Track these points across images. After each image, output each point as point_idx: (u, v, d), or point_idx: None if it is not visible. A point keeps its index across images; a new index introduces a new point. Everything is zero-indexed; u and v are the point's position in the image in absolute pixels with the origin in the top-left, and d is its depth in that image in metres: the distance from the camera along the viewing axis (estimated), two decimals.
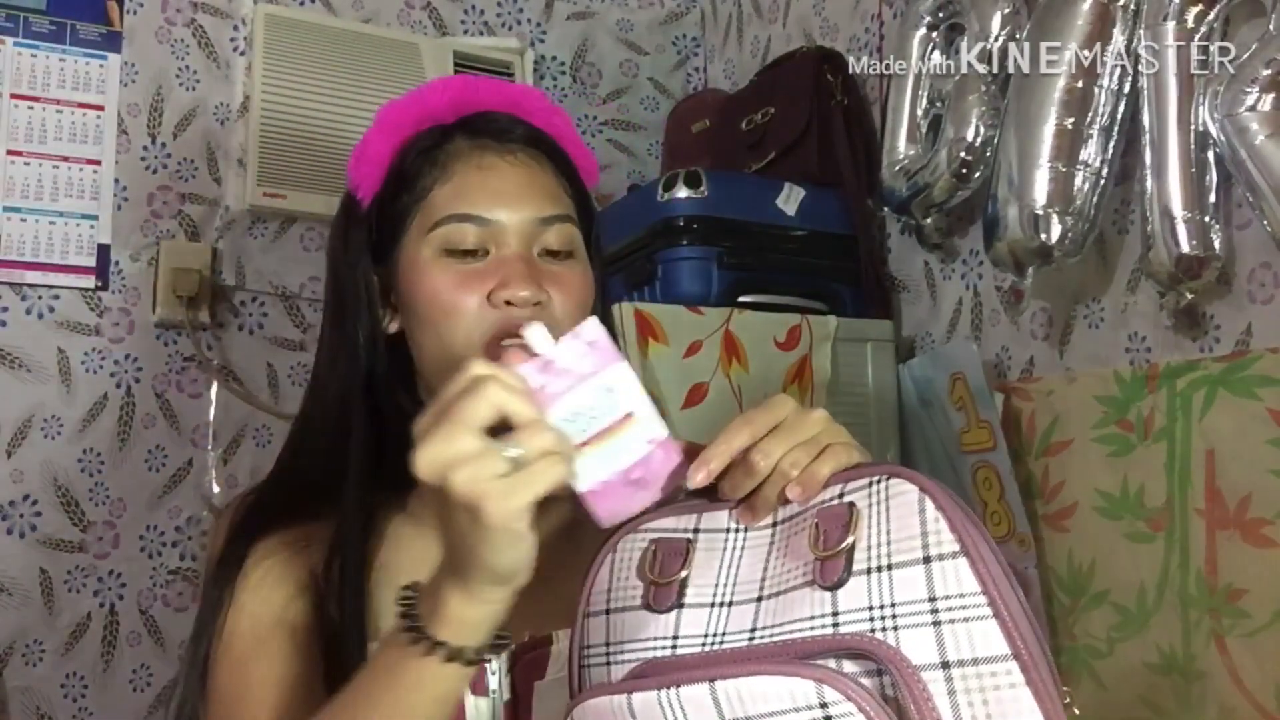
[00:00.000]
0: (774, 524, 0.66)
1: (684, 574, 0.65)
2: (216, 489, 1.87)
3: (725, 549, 0.66)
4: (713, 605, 0.64)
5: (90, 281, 1.83)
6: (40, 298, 1.80)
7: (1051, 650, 1.53)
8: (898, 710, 0.55)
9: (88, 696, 1.76)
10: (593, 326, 0.65)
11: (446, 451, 0.58)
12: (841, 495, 0.62)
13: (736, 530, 0.67)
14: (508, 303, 0.81)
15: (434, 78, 2.00)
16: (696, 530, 0.67)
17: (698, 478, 0.65)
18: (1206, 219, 1.22)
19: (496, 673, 0.82)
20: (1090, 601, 1.38)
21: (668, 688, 0.59)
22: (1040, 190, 1.33)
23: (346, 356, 0.87)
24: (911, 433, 1.66)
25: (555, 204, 0.85)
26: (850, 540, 0.60)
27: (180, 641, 1.81)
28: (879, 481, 0.61)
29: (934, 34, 1.62)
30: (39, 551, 1.76)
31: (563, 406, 0.63)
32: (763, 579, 0.64)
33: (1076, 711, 0.57)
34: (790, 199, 1.74)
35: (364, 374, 0.86)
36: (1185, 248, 1.21)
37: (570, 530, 0.88)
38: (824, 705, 0.55)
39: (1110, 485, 1.36)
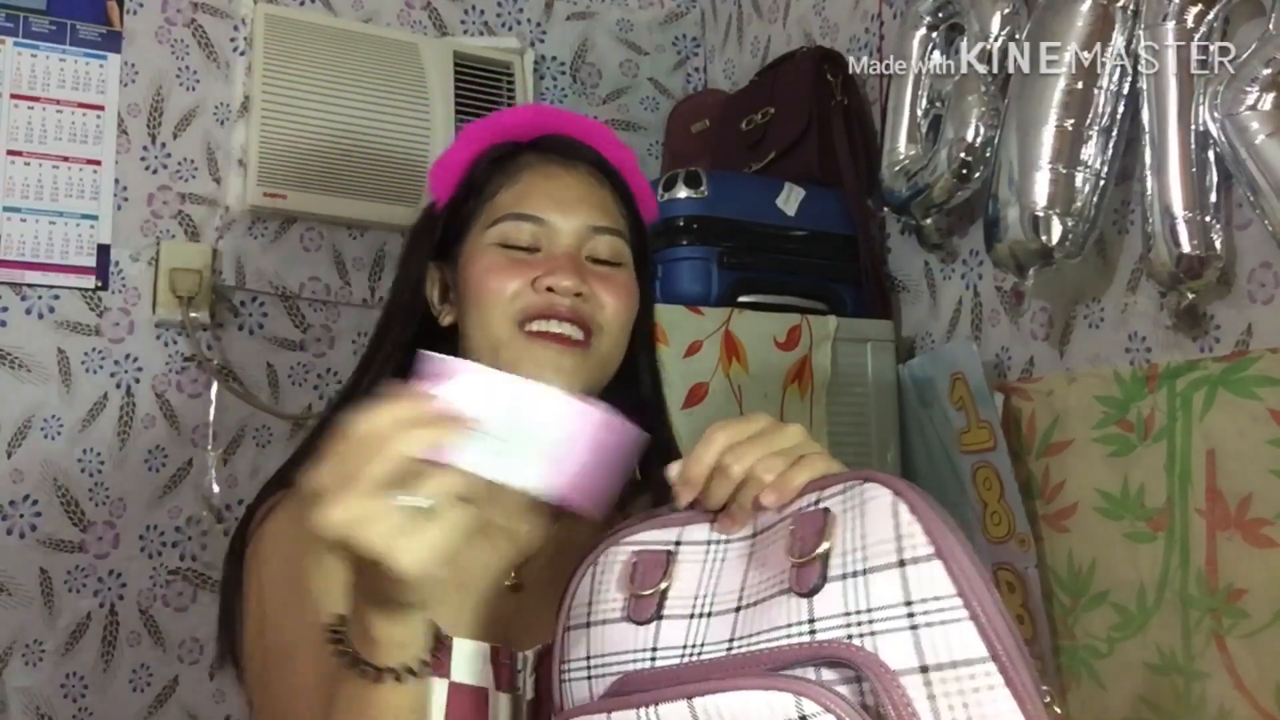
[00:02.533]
0: (753, 534, 0.66)
1: (664, 585, 0.66)
2: (216, 489, 1.86)
3: (706, 560, 0.66)
4: (692, 616, 0.64)
5: (90, 281, 1.83)
6: (40, 298, 1.80)
7: (1051, 650, 1.52)
8: (877, 717, 0.55)
9: (88, 696, 1.76)
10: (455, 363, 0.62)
11: (347, 515, 0.56)
12: (817, 502, 0.62)
13: (717, 542, 0.67)
14: (549, 289, 0.84)
15: (433, 78, 2.02)
16: (678, 543, 0.68)
17: (684, 497, 0.67)
18: (1207, 219, 1.22)
19: (522, 671, 0.83)
20: (1090, 601, 1.38)
21: (646, 705, 0.59)
22: (1041, 191, 1.33)
23: (386, 348, 0.91)
24: (911, 433, 1.66)
25: (609, 217, 0.90)
26: (825, 546, 0.60)
27: (180, 641, 1.82)
28: (853, 487, 0.61)
29: (934, 34, 1.62)
30: (39, 551, 1.75)
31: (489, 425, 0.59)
32: (741, 589, 0.63)
33: (1058, 710, 0.57)
34: (790, 199, 1.74)
35: (400, 364, 0.87)
36: (1186, 247, 1.21)
37: (578, 540, 0.88)
38: (804, 718, 0.55)
39: (1110, 485, 1.36)
